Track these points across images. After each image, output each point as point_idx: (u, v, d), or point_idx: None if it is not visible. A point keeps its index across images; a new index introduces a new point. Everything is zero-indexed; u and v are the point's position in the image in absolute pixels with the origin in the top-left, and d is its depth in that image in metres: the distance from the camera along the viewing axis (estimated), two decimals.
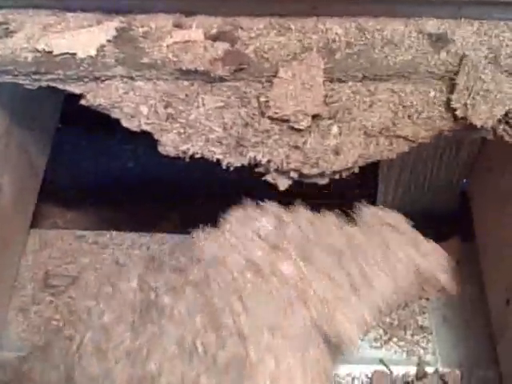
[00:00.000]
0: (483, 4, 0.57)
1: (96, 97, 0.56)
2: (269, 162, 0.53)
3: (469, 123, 0.54)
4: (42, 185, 0.76)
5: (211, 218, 0.57)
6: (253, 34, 0.57)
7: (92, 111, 0.77)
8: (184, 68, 0.55)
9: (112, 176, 0.89)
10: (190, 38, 0.57)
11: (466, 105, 0.54)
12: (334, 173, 0.53)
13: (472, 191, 0.80)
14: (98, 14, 0.59)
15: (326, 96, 0.54)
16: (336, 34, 0.57)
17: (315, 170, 0.52)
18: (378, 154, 0.54)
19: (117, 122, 0.78)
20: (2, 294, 0.68)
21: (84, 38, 0.57)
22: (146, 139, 0.57)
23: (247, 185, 0.66)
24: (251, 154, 0.53)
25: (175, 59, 0.56)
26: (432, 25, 0.57)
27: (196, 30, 0.57)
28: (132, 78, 0.57)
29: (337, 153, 0.53)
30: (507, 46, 0.56)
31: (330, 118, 0.54)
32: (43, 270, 0.73)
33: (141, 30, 0.58)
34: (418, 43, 0.57)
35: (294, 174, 0.53)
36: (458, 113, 0.54)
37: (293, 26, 0.58)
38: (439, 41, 0.57)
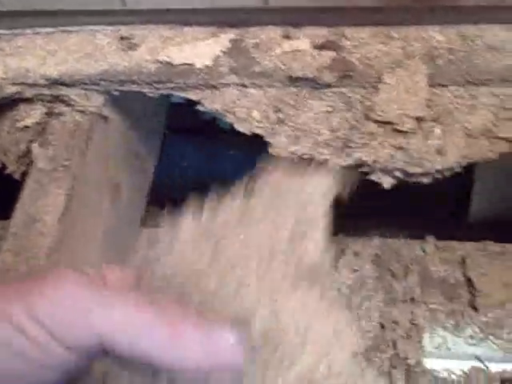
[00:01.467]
0: None
1: (212, 103, 0.61)
2: (374, 162, 0.56)
3: None
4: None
5: None
6: (357, 42, 0.61)
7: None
8: (293, 75, 0.59)
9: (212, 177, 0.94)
10: (298, 47, 0.61)
11: None
12: (437, 172, 0.56)
13: None
14: (213, 28, 0.64)
15: (428, 100, 0.57)
16: (438, 41, 0.60)
17: (419, 170, 0.55)
18: (479, 154, 0.56)
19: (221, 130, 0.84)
20: None
21: (200, 49, 0.62)
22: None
23: None
24: (357, 155, 0.56)
25: (284, 67, 0.60)
26: None
27: (303, 39, 0.62)
28: (244, 86, 0.61)
29: (440, 152, 0.55)
30: None
31: (432, 121, 0.57)
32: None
33: (252, 41, 0.63)
34: None
35: (398, 173, 0.56)
36: None
37: (396, 35, 0.61)
38: None
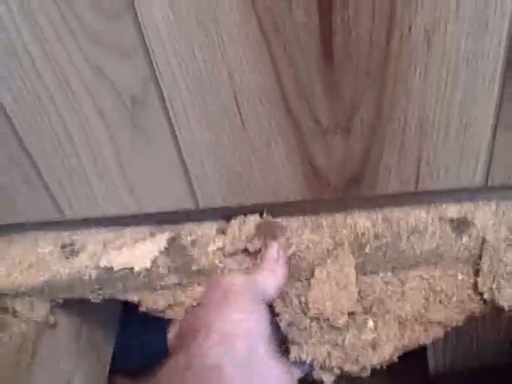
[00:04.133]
0: (500, 188, 0.61)
1: (153, 303, 0.63)
2: (313, 360, 0.57)
3: (497, 306, 0.57)
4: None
5: None
6: (288, 232, 0.64)
7: None
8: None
9: None
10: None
11: (491, 289, 0.57)
12: (374, 366, 0.57)
13: None
14: (151, 227, 0.66)
15: (359, 292, 0.59)
16: (364, 227, 0.63)
17: (355, 368, 0.56)
18: (414, 342, 0.58)
19: None
20: None
21: (139, 251, 0.64)
22: None
23: None
24: (295, 354, 0.58)
25: (221, 265, 0.62)
26: (452, 210, 0.62)
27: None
28: (183, 285, 0.63)
29: (374, 347, 0.57)
30: None
31: (365, 313, 0.58)
32: None
33: (189, 238, 0.65)
34: (440, 230, 0.61)
35: (336, 371, 0.57)
36: (486, 296, 0.58)
37: (324, 223, 0.64)
38: (460, 225, 0.61)
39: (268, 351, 0.49)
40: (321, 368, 0.57)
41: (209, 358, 0.46)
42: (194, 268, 0.63)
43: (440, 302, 0.59)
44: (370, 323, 0.58)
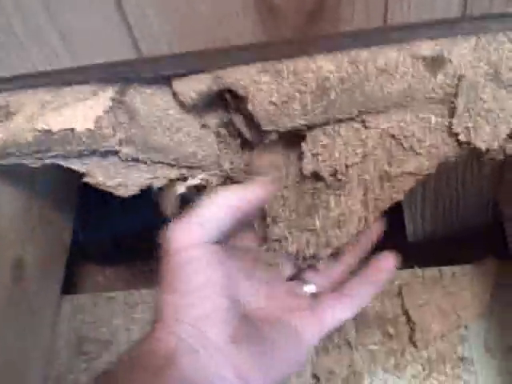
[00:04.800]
0: (480, 18, 0.54)
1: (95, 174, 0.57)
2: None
3: (473, 147, 0.52)
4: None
5: None
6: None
7: None
8: None
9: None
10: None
11: (467, 128, 0.52)
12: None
13: (502, 205, 0.76)
14: (94, 86, 0.60)
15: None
16: (328, 70, 0.56)
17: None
18: (386, 201, 0.53)
19: None
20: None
21: (80, 112, 0.58)
22: None
23: None
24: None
25: None
26: (426, 47, 0.55)
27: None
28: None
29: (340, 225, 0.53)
30: (507, 58, 0.53)
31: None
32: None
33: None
34: (413, 69, 0.55)
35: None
36: (461, 137, 0.52)
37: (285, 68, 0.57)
38: (435, 63, 0.54)
39: None
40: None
41: None
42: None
43: (411, 148, 0.53)
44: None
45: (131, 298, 0.78)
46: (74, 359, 0.74)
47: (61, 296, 0.78)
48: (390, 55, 0.55)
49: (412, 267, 0.74)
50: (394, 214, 0.77)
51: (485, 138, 0.51)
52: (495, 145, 0.51)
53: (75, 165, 0.58)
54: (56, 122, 0.57)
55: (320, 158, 0.56)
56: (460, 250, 0.75)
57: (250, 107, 0.56)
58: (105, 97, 0.58)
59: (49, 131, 0.57)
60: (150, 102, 0.59)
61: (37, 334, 0.70)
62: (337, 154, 0.55)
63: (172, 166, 0.60)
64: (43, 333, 0.72)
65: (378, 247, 0.60)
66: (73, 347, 0.75)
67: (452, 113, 0.53)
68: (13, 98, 0.60)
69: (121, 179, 0.58)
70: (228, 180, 0.61)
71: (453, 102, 0.53)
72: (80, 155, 0.58)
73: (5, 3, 0.51)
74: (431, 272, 0.72)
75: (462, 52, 0.54)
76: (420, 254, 0.75)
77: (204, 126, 0.60)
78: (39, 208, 0.69)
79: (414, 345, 0.66)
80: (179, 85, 0.58)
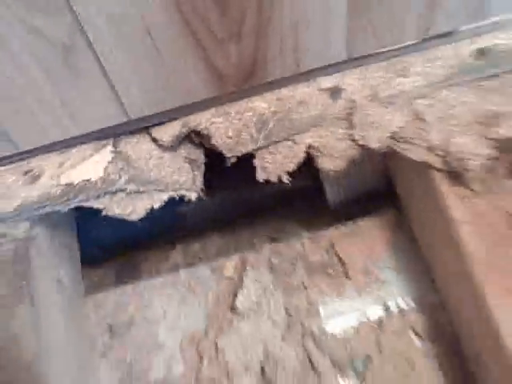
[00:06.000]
0: (360, 58, 0.79)
1: (113, 208, 0.79)
2: None
3: (368, 148, 0.78)
4: None
5: None
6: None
7: None
8: None
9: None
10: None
11: (363, 136, 0.77)
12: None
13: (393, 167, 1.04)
14: (94, 144, 0.81)
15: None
16: (263, 107, 0.80)
17: None
18: None
19: None
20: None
21: (91, 165, 0.79)
22: None
23: None
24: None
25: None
26: (327, 82, 0.80)
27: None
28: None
29: None
30: (383, 83, 0.79)
31: None
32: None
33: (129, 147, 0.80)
34: (321, 98, 0.79)
35: None
36: (360, 142, 0.78)
37: (231, 110, 0.80)
38: (334, 92, 0.79)
39: None
40: None
41: None
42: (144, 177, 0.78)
43: (329, 153, 0.79)
44: None
45: None
46: None
47: None
48: (303, 90, 0.80)
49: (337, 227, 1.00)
50: (321, 193, 1.04)
51: (374, 141, 0.77)
52: (384, 144, 0.78)
53: (94, 204, 0.80)
54: (75, 176, 0.78)
55: (267, 169, 0.80)
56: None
57: (213, 142, 0.79)
58: (106, 151, 0.80)
59: (71, 184, 0.78)
60: (137, 148, 0.81)
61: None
62: (278, 166, 0.80)
63: (163, 191, 0.82)
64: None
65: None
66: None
67: (351, 126, 0.78)
68: (34, 164, 0.80)
69: (131, 208, 0.80)
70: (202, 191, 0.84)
71: (351, 118, 0.78)
72: (97, 196, 0.79)
73: (29, 101, 0.71)
74: (351, 227, 0.98)
75: (351, 82, 0.80)
76: (339, 216, 1.02)
77: (180, 158, 0.82)
78: (59, 235, 0.90)
79: (348, 277, 0.92)
80: (157, 132, 0.80)
